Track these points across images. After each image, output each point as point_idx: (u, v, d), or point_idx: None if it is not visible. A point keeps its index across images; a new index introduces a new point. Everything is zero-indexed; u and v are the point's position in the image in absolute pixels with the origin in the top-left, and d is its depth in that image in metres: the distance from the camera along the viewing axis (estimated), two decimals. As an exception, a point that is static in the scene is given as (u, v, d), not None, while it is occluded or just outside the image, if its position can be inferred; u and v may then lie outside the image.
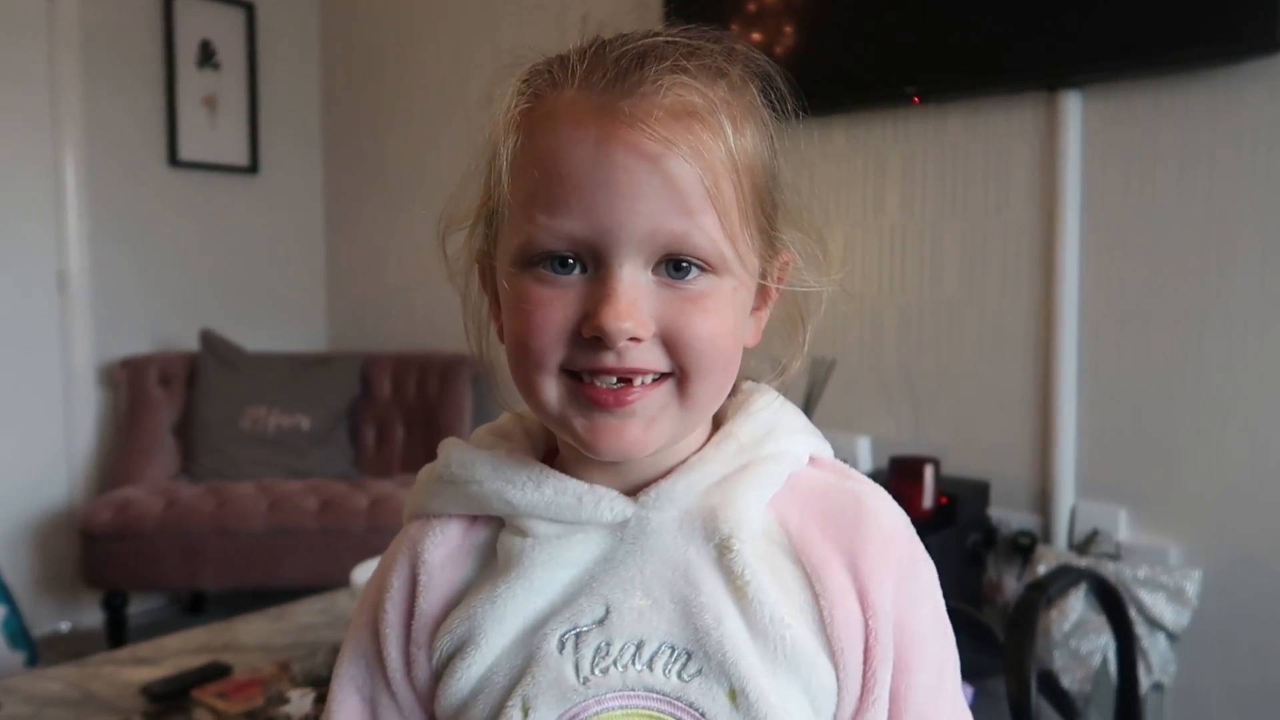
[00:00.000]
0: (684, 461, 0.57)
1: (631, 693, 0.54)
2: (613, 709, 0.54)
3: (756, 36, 2.31)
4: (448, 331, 3.24)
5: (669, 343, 0.52)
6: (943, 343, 2.18)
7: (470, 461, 0.59)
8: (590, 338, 0.51)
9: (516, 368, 0.55)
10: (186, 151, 3.29)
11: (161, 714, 1.30)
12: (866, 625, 0.55)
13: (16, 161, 2.93)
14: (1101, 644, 1.78)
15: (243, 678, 1.36)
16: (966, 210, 2.13)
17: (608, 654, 0.54)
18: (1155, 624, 1.81)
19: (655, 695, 0.54)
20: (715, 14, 2.33)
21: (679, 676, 0.54)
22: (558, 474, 0.57)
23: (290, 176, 3.59)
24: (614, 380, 0.52)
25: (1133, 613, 1.75)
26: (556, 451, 0.61)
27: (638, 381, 0.53)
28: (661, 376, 0.53)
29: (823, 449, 0.62)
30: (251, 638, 1.60)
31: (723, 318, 0.54)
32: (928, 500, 1.92)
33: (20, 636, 2.49)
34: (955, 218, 2.15)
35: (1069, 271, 1.97)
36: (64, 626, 3.06)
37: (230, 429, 2.99)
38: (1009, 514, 2.07)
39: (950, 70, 2.05)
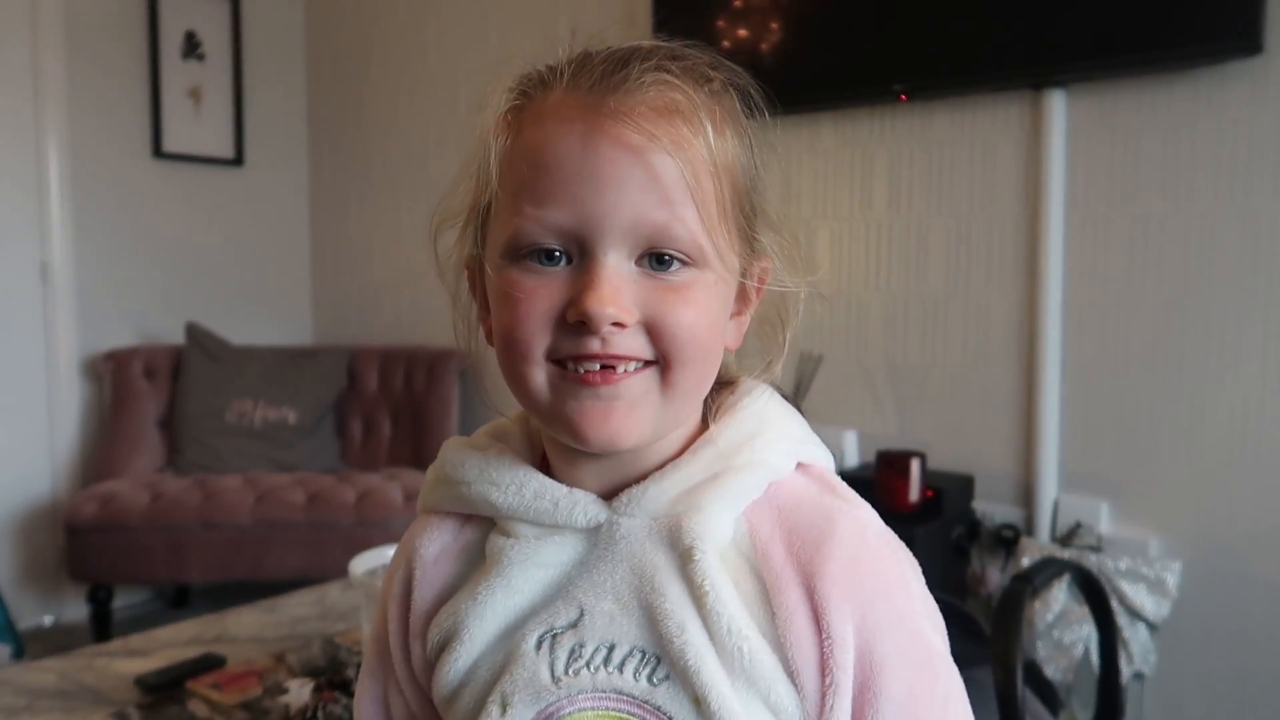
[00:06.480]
0: (660, 467, 0.58)
1: (602, 694, 0.55)
2: (584, 709, 0.55)
3: (743, 33, 2.32)
4: (434, 326, 3.24)
5: (651, 330, 0.54)
6: (928, 338, 2.21)
7: (461, 462, 0.62)
8: (575, 323, 0.53)
9: (505, 360, 0.56)
10: (171, 143, 3.27)
11: (156, 705, 1.30)
12: (821, 649, 0.54)
13: (-1, 152, 2.91)
14: (1084, 634, 1.81)
15: (237, 669, 1.37)
16: (952, 206, 2.16)
17: (580, 656, 0.56)
18: (1136, 614, 1.84)
19: (625, 698, 0.55)
20: (703, 11, 2.35)
21: (649, 680, 0.55)
22: (540, 477, 0.59)
23: (275, 169, 3.57)
24: (597, 366, 0.53)
25: (1114, 604, 1.78)
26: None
27: (620, 369, 0.54)
28: (645, 365, 0.54)
29: (816, 455, 0.61)
30: (243, 630, 1.60)
31: (703, 308, 0.55)
32: (914, 494, 1.94)
33: (6, 629, 2.48)
34: (941, 214, 2.17)
35: (1053, 267, 2.00)
36: (47, 620, 3.04)
37: (216, 422, 2.98)
38: (993, 507, 2.10)
39: (937, 68, 2.08)
